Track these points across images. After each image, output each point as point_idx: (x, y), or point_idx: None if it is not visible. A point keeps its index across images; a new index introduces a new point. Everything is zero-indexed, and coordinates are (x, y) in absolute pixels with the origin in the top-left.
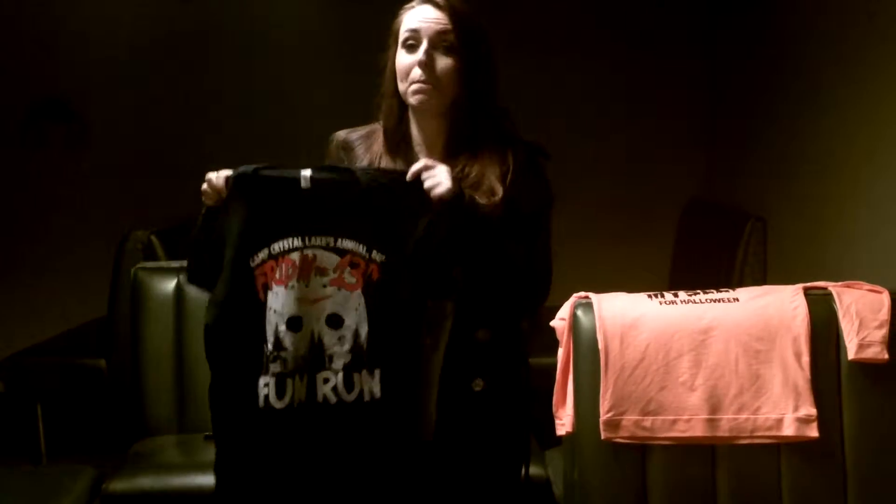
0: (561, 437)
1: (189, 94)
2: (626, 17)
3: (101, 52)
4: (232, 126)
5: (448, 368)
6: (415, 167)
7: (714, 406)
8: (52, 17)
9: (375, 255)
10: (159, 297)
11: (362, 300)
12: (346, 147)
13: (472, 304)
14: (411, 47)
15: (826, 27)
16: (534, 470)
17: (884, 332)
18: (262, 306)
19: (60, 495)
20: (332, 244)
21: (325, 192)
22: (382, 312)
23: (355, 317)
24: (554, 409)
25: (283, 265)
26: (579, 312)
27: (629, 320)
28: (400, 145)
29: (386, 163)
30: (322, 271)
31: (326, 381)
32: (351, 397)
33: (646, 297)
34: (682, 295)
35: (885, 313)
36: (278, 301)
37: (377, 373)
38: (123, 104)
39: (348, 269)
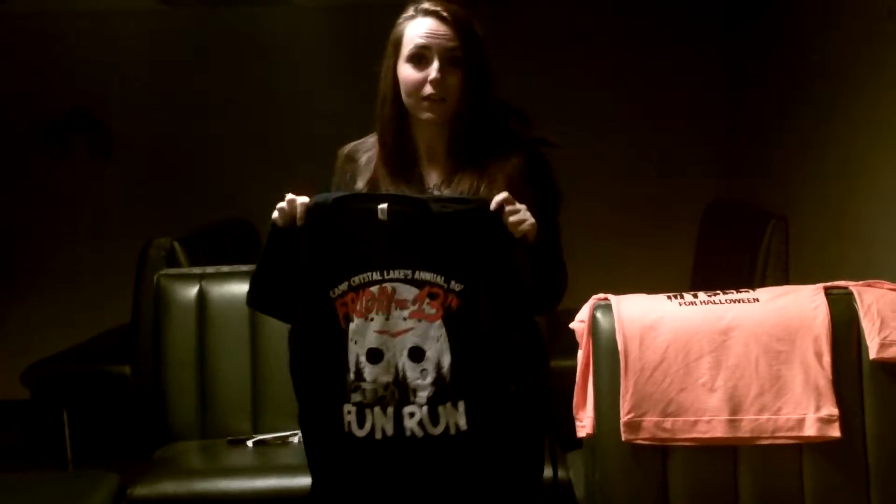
0: (581, 439)
1: (210, 103)
2: (646, 18)
3: (123, 63)
4: (253, 133)
5: (486, 370)
6: (498, 198)
7: (735, 407)
8: (75, 31)
9: (454, 285)
10: (182, 303)
11: (443, 331)
12: (350, 159)
13: (506, 308)
14: (419, 62)
15: (847, 26)
16: (559, 473)
17: None
18: (344, 335)
19: (85, 501)
20: (409, 276)
21: (400, 223)
22: (464, 342)
23: (437, 348)
24: (574, 410)
25: (363, 298)
26: (598, 314)
27: (648, 321)
28: (400, 155)
29: (387, 171)
30: (401, 304)
31: (412, 415)
32: (437, 431)
33: (665, 298)
34: (702, 296)
35: None
36: (358, 333)
37: (461, 405)
38: (146, 113)
39: (427, 300)
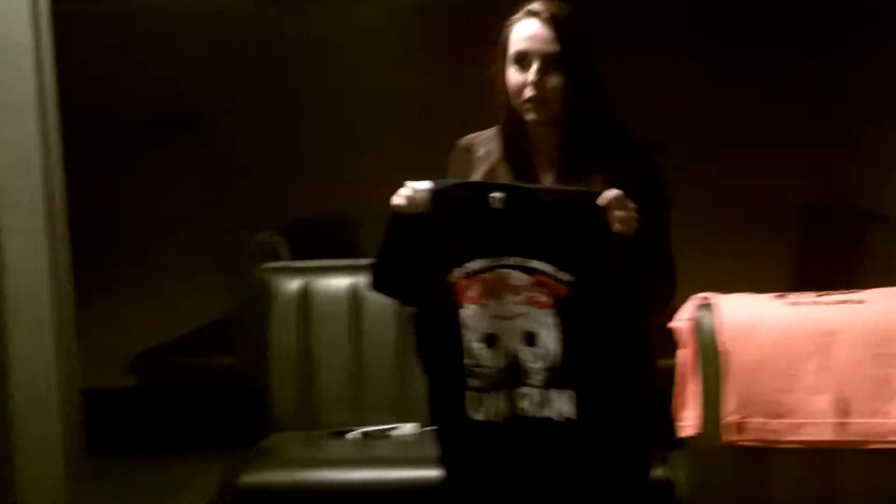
0: (682, 439)
1: (306, 97)
2: (748, 24)
3: (218, 62)
4: (347, 126)
5: (596, 362)
6: (610, 194)
7: (842, 409)
8: (172, 31)
9: (562, 275)
10: (284, 296)
11: (554, 319)
12: (468, 150)
13: (616, 302)
14: (521, 65)
15: None
16: (657, 472)
17: None
18: (459, 320)
19: (190, 489)
20: (521, 263)
21: (514, 211)
22: (574, 332)
23: (549, 335)
24: (674, 410)
25: (477, 284)
26: (700, 314)
27: (751, 322)
28: (518, 152)
29: (504, 169)
30: (514, 289)
31: (524, 396)
32: (547, 414)
33: (767, 298)
34: (806, 296)
35: None
36: (472, 319)
37: (571, 394)
38: (243, 108)
39: (538, 287)
